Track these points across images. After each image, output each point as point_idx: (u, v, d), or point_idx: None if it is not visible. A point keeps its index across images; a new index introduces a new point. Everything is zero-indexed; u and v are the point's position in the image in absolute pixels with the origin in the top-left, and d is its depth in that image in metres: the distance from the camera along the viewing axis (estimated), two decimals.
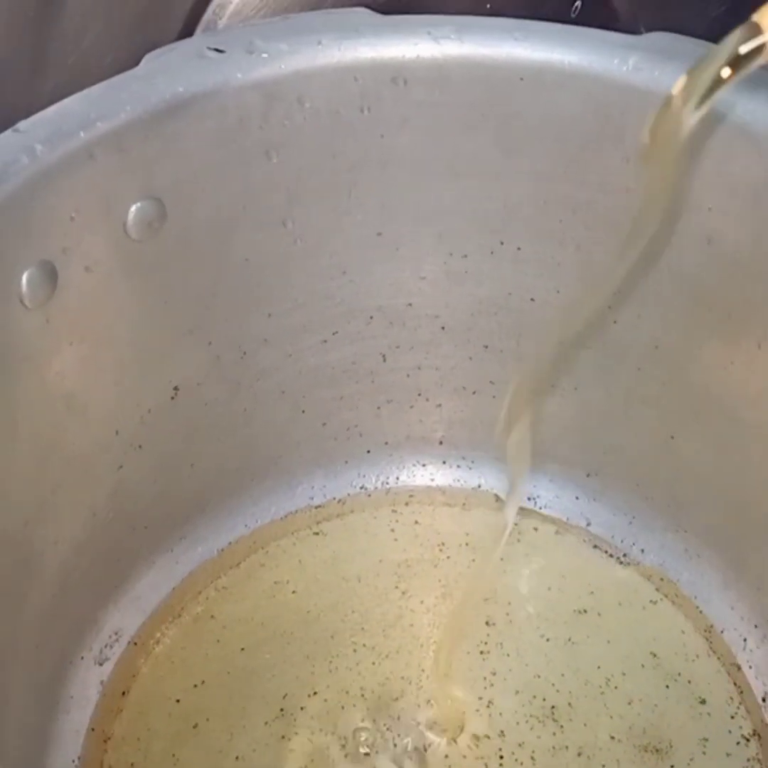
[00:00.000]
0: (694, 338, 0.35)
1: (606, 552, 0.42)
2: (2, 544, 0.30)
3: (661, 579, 0.41)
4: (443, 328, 0.40)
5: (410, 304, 0.39)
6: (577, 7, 0.40)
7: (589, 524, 0.43)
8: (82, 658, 0.38)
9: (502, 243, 0.36)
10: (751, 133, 0.29)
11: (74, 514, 0.35)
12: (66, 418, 0.32)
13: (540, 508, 0.43)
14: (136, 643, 0.40)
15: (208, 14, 0.37)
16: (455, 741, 0.37)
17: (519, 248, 0.36)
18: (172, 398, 0.37)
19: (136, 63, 0.31)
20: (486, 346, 0.40)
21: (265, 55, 0.31)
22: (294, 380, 0.40)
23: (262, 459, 0.42)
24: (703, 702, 0.38)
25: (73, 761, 0.37)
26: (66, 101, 0.29)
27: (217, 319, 0.36)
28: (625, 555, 0.42)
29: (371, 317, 0.39)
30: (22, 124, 0.29)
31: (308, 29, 0.31)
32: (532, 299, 0.38)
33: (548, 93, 0.32)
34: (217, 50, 0.31)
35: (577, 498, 0.43)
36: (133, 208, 0.31)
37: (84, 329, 0.31)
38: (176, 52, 0.31)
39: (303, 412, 0.41)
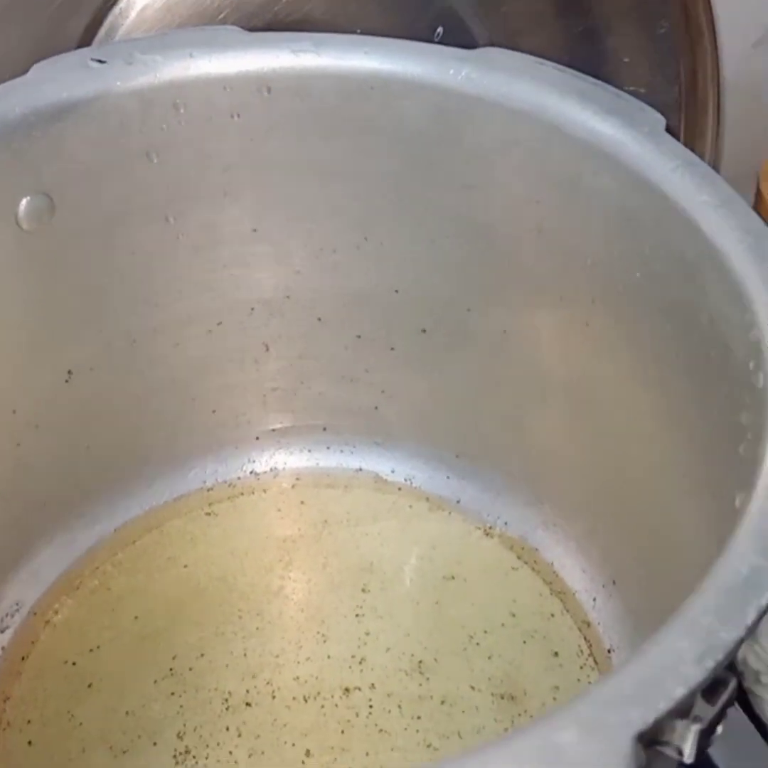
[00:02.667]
0: (534, 322, 0.39)
1: (474, 525, 0.46)
2: None
3: (522, 548, 0.45)
4: (320, 319, 0.43)
5: (288, 297, 0.43)
6: (439, 34, 0.44)
7: (459, 501, 0.46)
8: None
9: (366, 239, 0.40)
10: (564, 132, 0.34)
11: None
12: None
13: (415, 486, 0.47)
14: (35, 613, 0.43)
15: (99, 36, 0.41)
16: (331, 695, 0.41)
17: (382, 243, 0.40)
18: (67, 381, 0.41)
19: None
20: (359, 336, 0.44)
21: (142, 66, 0.35)
22: (183, 369, 0.43)
23: (155, 444, 0.45)
24: (556, 655, 0.42)
25: None
26: None
27: (107, 308, 0.40)
28: (490, 527, 0.46)
29: (253, 309, 0.43)
30: None
31: (181, 43, 0.35)
32: (396, 291, 0.42)
33: (395, 101, 0.36)
34: (99, 61, 0.34)
35: (448, 477, 0.47)
36: (24, 202, 0.35)
37: None
38: (62, 62, 0.34)
39: (193, 399, 0.45)
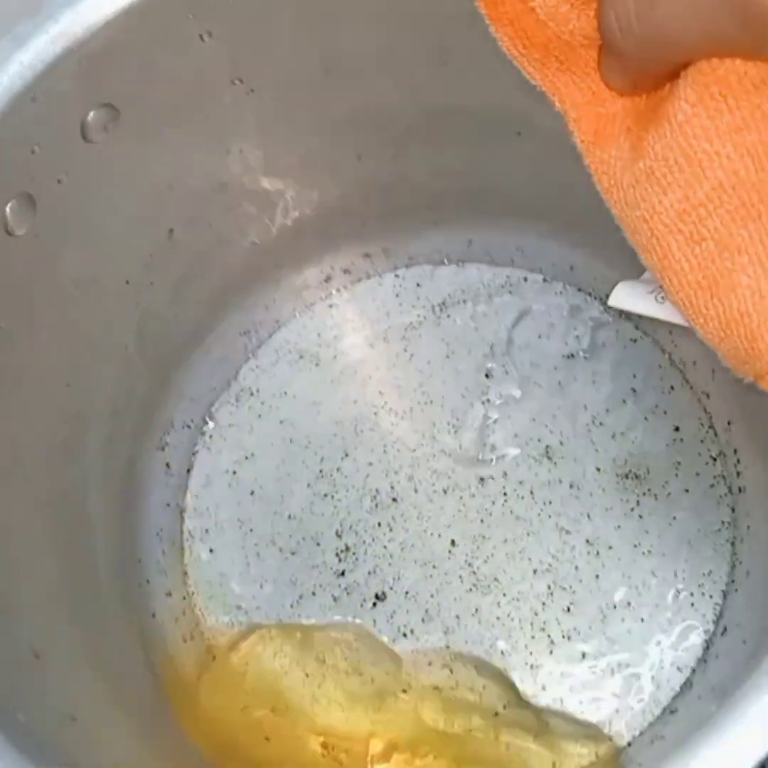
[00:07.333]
0: None
1: (589, 294, 0.46)
2: None
3: (640, 317, 0.45)
4: None
5: None
6: None
7: (572, 268, 0.46)
8: (146, 448, 0.46)
9: None
10: None
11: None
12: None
13: (527, 256, 0.47)
14: (190, 427, 0.47)
15: None
16: (468, 486, 0.45)
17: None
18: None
19: None
20: None
21: None
22: None
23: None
24: (677, 429, 0.44)
25: (157, 534, 0.45)
26: None
27: None
28: (607, 295, 0.46)
29: None
30: None
31: None
32: None
33: None
34: None
35: (559, 246, 0.46)
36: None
37: None
38: None
39: None
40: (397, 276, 0.48)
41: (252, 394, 0.47)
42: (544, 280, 0.47)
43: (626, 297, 0.34)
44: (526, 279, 0.47)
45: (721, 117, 0.27)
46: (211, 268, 0.44)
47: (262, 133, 0.39)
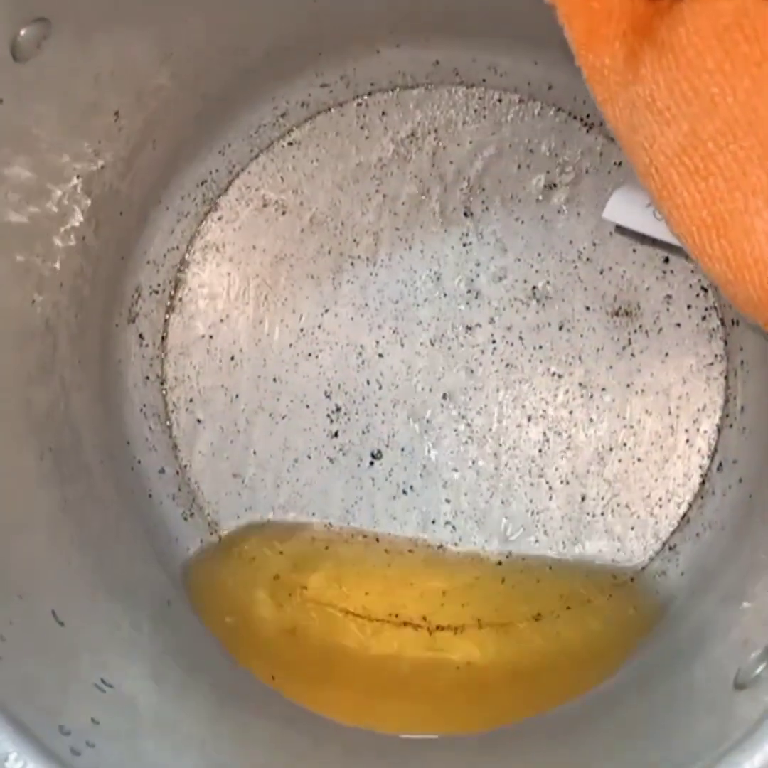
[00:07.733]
0: None
1: (570, 115, 0.43)
2: None
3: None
4: None
5: None
6: None
7: (551, 88, 0.43)
8: (117, 323, 0.44)
9: None
10: None
11: None
12: None
13: (500, 75, 0.43)
14: (158, 292, 0.45)
15: None
16: (455, 335, 0.43)
17: None
18: None
19: None
20: None
21: None
22: None
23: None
24: (666, 260, 0.42)
25: (141, 410, 0.44)
26: None
27: None
28: (588, 116, 0.43)
29: None
30: None
31: None
32: None
33: None
34: None
35: (536, 63, 0.42)
36: None
37: None
38: None
39: None
40: (359, 105, 0.44)
41: (218, 250, 0.45)
42: (521, 100, 0.43)
43: (622, 210, 0.32)
44: (500, 100, 0.43)
45: (737, 49, 0.24)
46: (162, 130, 0.40)
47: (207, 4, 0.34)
